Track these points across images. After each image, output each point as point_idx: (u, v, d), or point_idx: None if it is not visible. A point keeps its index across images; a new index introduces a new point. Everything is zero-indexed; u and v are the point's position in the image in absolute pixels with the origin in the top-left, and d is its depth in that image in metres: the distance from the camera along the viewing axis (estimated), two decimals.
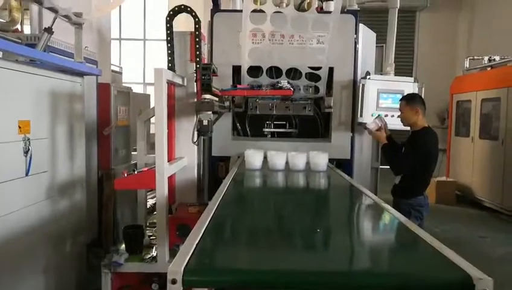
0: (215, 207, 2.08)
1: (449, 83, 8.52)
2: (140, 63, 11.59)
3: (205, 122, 3.07)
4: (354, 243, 1.82)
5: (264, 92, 3.60)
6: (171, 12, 3.32)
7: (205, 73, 3.01)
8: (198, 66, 3.24)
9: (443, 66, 10.60)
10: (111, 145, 4.35)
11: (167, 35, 3.35)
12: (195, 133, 3.26)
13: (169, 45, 3.39)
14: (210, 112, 3.13)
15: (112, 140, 4.35)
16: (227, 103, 3.95)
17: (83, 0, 3.16)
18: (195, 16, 3.25)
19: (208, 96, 3.07)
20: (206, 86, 3.01)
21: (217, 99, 3.42)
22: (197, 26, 3.27)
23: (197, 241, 1.52)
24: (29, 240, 2.84)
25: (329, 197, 2.98)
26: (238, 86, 3.81)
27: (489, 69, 7.43)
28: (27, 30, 4.16)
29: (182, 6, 3.25)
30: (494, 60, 7.37)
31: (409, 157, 3.35)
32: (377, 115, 3.79)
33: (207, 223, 1.78)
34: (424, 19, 11.11)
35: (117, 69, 7.73)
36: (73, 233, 3.50)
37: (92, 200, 4.00)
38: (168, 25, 3.33)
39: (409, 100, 3.46)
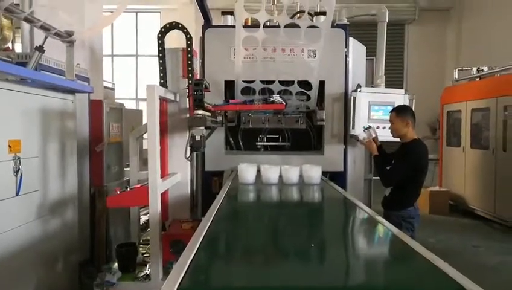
0: (209, 223, 2.07)
1: (439, 93, 8.63)
2: (133, 78, 11.62)
3: (198, 138, 3.07)
4: (348, 258, 1.82)
5: (256, 107, 3.63)
6: (163, 29, 3.35)
7: (197, 89, 3.03)
8: (190, 81, 3.25)
9: (433, 77, 10.75)
10: (103, 162, 4.33)
11: (159, 51, 3.38)
12: (188, 148, 3.25)
13: (161, 61, 3.41)
14: (202, 128, 3.14)
15: (105, 157, 4.33)
16: (219, 118, 3.96)
17: (76, 18, 3.15)
18: (186, 33, 3.28)
19: (200, 111, 3.08)
20: (198, 102, 3.03)
21: (209, 114, 3.43)
22: (188, 42, 3.30)
23: (190, 259, 1.50)
24: (20, 260, 2.80)
25: (323, 211, 2.97)
26: (231, 101, 3.83)
27: (478, 79, 7.54)
28: (18, 48, 4.16)
29: (174, 23, 3.28)
30: (482, 70, 7.48)
31: (399, 169, 3.36)
32: (367, 126, 3.82)
33: (201, 240, 1.77)
34: (412, 31, 11.29)
35: (109, 85, 7.74)
36: (65, 252, 3.45)
37: (84, 218, 3.96)
38: (160, 42, 3.36)
39: (399, 112, 3.49)
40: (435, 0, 10.70)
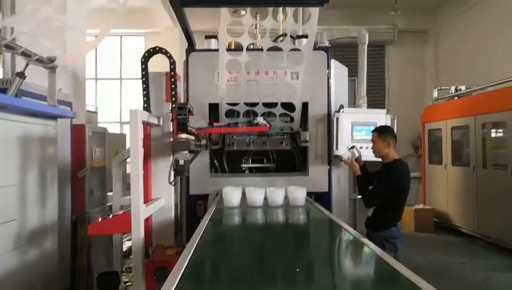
0: (193, 248, 2.03)
1: (420, 112, 8.81)
2: (117, 101, 11.55)
3: (181, 162, 3.05)
4: (334, 281, 1.80)
5: (240, 129, 3.63)
6: (146, 54, 3.36)
7: (181, 112, 3.03)
8: (174, 105, 3.25)
9: (413, 96, 11.00)
10: (85, 188, 4.26)
11: (142, 76, 3.38)
12: (172, 173, 3.22)
13: (144, 85, 3.41)
14: (186, 152, 3.12)
15: (87, 182, 4.26)
16: (203, 141, 3.95)
17: (58, 44, 3.14)
18: (170, 57, 3.30)
19: (184, 135, 3.07)
20: (181, 126, 3.02)
21: (193, 138, 3.42)
22: (172, 66, 3.31)
23: (174, 287, 1.47)
24: None
25: (309, 234, 2.95)
26: (215, 124, 3.84)
27: (456, 98, 7.75)
28: None
29: (157, 48, 3.30)
30: (460, 89, 7.70)
31: (380, 190, 3.38)
32: (351, 146, 3.86)
33: (184, 267, 1.74)
34: (392, 52, 11.60)
35: (92, 108, 7.67)
36: (44, 282, 3.33)
37: (64, 246, 3.85)
38: (144, 66, 3.37)
39: (380, 132, 3.53)
40: (412, 22, 11.03)
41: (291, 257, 2.09)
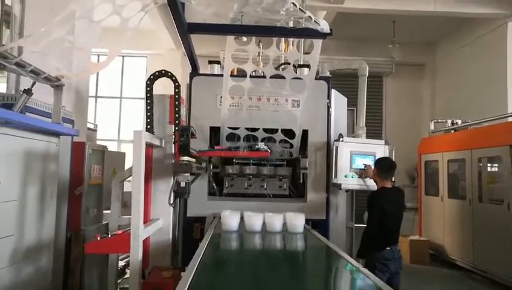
0: (193, 273, 2.03)
1: (415, 143, 8.90)
2: (114, 119, 11.59)
3: (183, 184, 3.07)
4: None
5: (241, 154, 3.67)
6: (152, 76, 3.42)
7: (183, 134, 3.06)
8: (177, 128, 3.29)
9: (410, 127, 11.13)
10: (82, 205, 4.22)
11: (147, 98, 3.42)
12: (172, 194, 3.23)
13: (148, 107, 3.45)
14: (188, 174, 3.14)
15: (84, 200, 4.23)
16: (204, 164, 3.98)
17: (65, 64, 3.20)
18: (175, 81, 3.36)
19: (186, 158, 3.09)
20: (184, 148, 3.05)
21: (194, 160, 3.44)
22: (176, 90, 3.37)
23: None
24: None
25: (307, 262, 2.95)
26: (216, 147, 3.87)
27: (452, 131, 7.86)
28: (2, 88, 4.15)
29: (163, 71, 3.36)
30: (456, 123, 7.82)
31: (369, 218, 3.62)
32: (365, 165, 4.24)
33: None
34: (390, 83, 11.81)
35: (92, 126, 7.69)
36: None
37: (58, 264, 3.79)
38: (148, 88, 3.42)
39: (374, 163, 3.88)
40: (410, 55, 11.29)
41: (293, 285, 2.09)
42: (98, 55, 8.43)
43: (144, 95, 3.43)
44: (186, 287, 1.79)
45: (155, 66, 11.56)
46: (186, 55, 4.26)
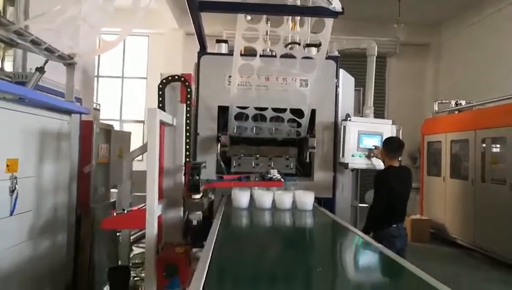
0: (211, 249, 2.10)
1: (418, 124, 8.93)
2: (117, 99, 11.53)
3: (194, 222, 2.98)
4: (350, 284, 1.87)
5: (252, 184, 3.48)
6: (164, 81, 3.30)
7: (193, 173, 2.87)
8: (188, 159, 3.18)
9: (413, 108, 11.09)
10: (90, 184, 4.27)
11: (159, 102, 3.32)
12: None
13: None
14: (200, 212, 3.06)
15: (92, 178, 4.28)
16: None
17: (76, 42, 3.19)
18: (188, 86, 3.26)
19: (197, 196, 2.99)
20: (193, 187, 2.87)
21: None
22: (188, 96, 3.29)
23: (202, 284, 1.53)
24: (9, 282, 2.71)
25: (323, 237, 3.03)
26: (225, 177, 3.82)
27: (456, 112, 7.88)
28: (8, 67, 4.13)
29: (176, 76, 3.25)
30: (460, 104, 7.84)
31: (376, 197, 3.72)
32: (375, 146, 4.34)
33: (207, 268, 1.79)
34: (393, 64, 11.73)
35: (96, 106, 7.68)
36: (52, 275, 3.35)
37: (70, 239, 3.87)
38: (160, 92, 3.30)
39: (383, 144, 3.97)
40: (413, 36, 11.16)
41: (313, 259, 2.16)
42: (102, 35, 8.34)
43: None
44: (208, 262, 1.85)
45: (157, 46, 11.39)
46: (196, 34, 4.23)
